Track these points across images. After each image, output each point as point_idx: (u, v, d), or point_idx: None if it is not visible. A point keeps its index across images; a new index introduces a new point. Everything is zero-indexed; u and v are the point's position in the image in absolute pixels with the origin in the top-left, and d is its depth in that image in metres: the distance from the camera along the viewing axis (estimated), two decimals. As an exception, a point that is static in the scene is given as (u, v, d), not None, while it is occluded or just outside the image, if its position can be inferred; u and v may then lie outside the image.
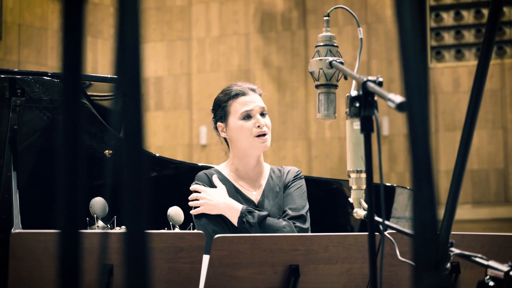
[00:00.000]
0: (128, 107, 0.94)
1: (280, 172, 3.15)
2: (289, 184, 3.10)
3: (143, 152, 0.94)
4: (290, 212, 3.02)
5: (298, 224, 2.99)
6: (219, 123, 3.11)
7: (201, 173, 3.10)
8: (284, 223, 2.97)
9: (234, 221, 2.94)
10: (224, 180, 3.08)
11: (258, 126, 3.03)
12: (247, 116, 3.05)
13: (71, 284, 0.98)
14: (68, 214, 0.98)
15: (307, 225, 3.02)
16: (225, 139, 3.15)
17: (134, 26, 0.93)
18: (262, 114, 3.08)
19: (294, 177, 3.12)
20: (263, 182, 3.12)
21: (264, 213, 2.96)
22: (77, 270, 0.98)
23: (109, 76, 3.57)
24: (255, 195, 3.08)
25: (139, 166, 0.93)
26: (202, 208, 2.98)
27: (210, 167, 3.25)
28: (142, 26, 0.94)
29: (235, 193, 3.06)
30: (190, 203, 3.01)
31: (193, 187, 3.03)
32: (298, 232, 2.96)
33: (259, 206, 3.06)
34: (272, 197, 3.07)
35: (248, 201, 3.06)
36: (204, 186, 3.05)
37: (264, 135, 3.05)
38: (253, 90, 3.13)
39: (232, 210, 2.95)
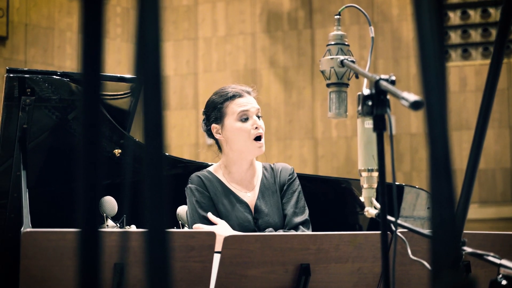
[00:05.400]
0: (148, 106, 0.94)
1: (272, 171, 3.15)
2: (285, 185, 3.11)
3: (163, 151, 0.94)
4: (295, 219, 3.03)
5: (304, 230, 3.00)
6: (214, 125, 3.09)
7: (193, 175, 3.08)
8: None
9: None
10: (216, 181, 3.06)
11: (256, 128, 3.04)
12: (245, 117, 3.05)
13: (90, 282, 0.98)
14: (88, 214, 0.98)
15: (310, 229, 3.04)
16: (216, 142, 3.14)
17: (154, 24, 0.93)
18: (258, 117, 3.09)
19: (289, 175, 3.13)
20: (257, 183, 3.11)
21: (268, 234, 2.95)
22: (96, 269, 0.98)
23: (118, 75, 3.57)
24: (249, 197, 3.08)
25: (159, 165, 0.93)
26: None
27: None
28: (162, 24, 0.94)
29: (229, 195, 3.04)
30: None
31: (195, 226, 2.95)
32: None
33: (255, 209, 3.05)
34: (268, 198, 3.07)
35: (241, 202, 3.05)
36: (200, 191, 3.03)
37: (260, 138, 3.05)
38: (249, 92, 3.12)
39: None
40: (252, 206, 3.05)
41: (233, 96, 3.07)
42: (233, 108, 3.06)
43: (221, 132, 3.08)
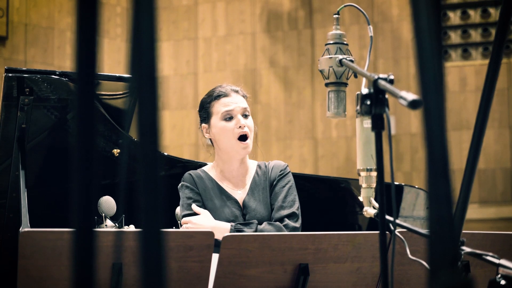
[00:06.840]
0: (143, 106, 0.93)
1: (265, 168, 3.17)
2: (275, 181, 3.12)
3: (159, 150, 0.93)
4: (281, 212, 3.03)
5: (288, 222, 3.00)
6: (203, 125, 3.16)
7: (186, 174, 3.14)
8: (271, 227, 2.97)
9: None
10: (209, 179, 3.11)
11: (240, 127, 3.06)
12: (228, 117, 3.08)
13: (85, 282, 0.98)
14: (83, 214, 0.97)
15: (299, 223, 3.04)
16: (211, 140, 3.17)
17: (149, 23, 0.92)
18: (245, 116, 3.11)
19: (280, 171, 3.14)
20: (248, 181, 3.15)
21: (251, 228, 2.97)
22: (91, 269, 0.98)
23: (116, 75, 3.56)
24: (240, 194, 3.12)
25: (154, 164, 0.93)
26: None
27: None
28: (157, 23, 0.93)
29: (219, 192, 3.09)
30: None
31: (182, 221, 3.03)
32: (290, 232, 2.97)
33: (244, 204, 3.09)
34: (257, 195, 3.10)
35: (231, 199, 3.08)
36: (190, 188, 3.07)
37: (245, 137, 3.07)
38: (236, 91, 3.16)
39: (221, 231, 2.91)
40: (241, 203, 3.07)
41: (218, 96, 3.12)
42: (218, 108, 3.10)
43: (209, 131, 3.12)
